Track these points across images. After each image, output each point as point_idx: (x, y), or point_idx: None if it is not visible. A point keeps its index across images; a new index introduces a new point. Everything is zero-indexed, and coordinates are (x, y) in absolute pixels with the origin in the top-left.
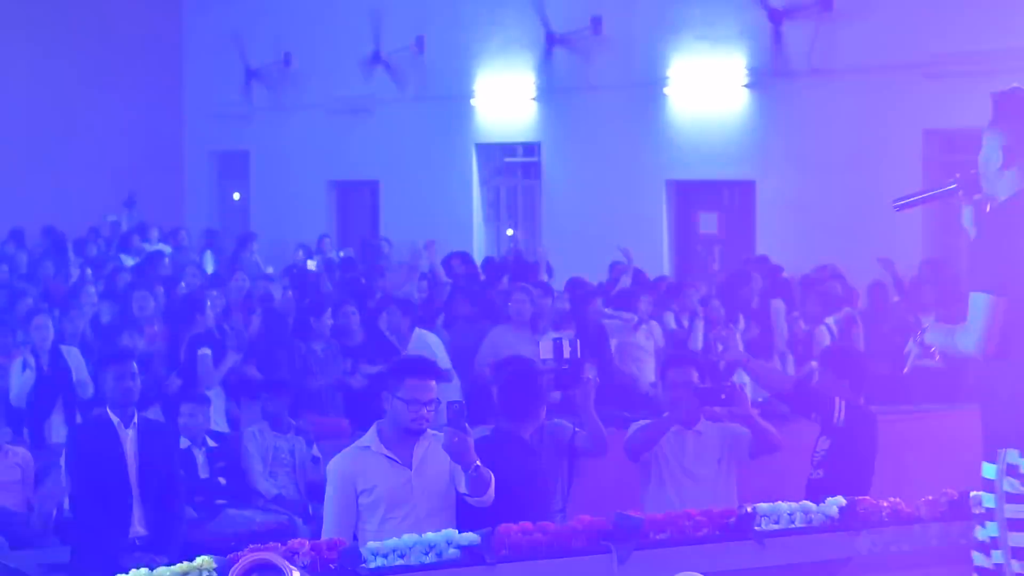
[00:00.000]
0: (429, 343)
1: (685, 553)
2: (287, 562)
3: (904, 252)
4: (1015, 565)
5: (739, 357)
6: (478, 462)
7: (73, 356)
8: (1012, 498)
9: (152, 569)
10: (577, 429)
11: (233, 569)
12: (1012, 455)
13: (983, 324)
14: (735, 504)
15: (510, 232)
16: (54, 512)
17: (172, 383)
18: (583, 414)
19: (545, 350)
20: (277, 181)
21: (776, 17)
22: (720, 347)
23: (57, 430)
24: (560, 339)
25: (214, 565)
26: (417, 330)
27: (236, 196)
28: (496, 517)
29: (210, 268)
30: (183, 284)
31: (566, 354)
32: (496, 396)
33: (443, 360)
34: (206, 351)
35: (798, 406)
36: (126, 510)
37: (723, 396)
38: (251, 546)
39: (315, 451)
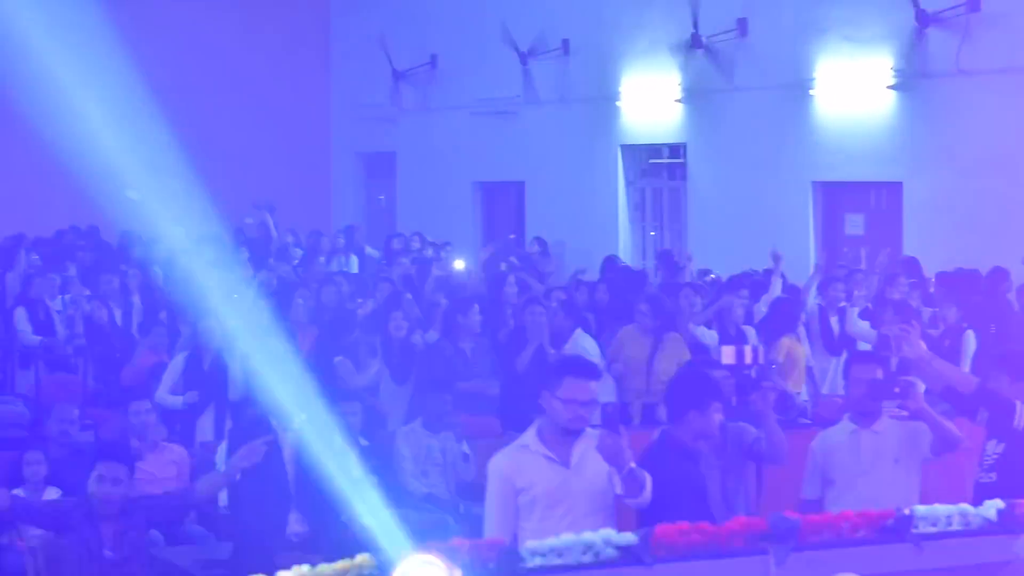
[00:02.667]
0: (586, 346)
1: (842, 555)
2: (449, 562)
3: None
4: None
5: (922, 354)
6: (632, 463)
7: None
8: None
9: (313, 566)
10: (759, 434)
11: (397, 569)
12: None
13: None
14: (916, 503)
15: (652, 234)
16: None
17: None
18: (763, 420)
19: (727, 356)
20: (423, 182)
21: (923, 18)
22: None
23: (204, 430)
24: (743, 345)
25: (374, 563)
26: (577, 331)
27: (382, 198)
28: (658, 521)
29: (354, 269)
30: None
31: (748, 360)
32: (666, 400)
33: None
34: (342, 359)
35: (969, 408)
36: (284, 510)
37: (897, 390)
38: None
39: (464, 448)
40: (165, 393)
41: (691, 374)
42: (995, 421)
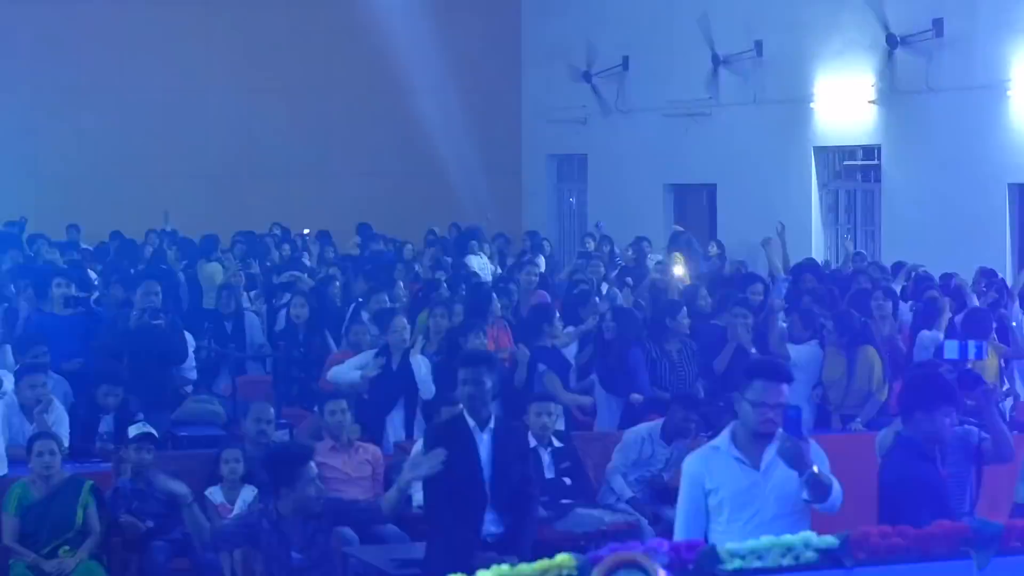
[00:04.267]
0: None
1: None
2: (654, 562)
3: None
4: None
5: None
6: (815, 468)
7: (418, 361)
8: None
9: (512, 567)
10: (984, 435)
11: (599, 567)
12: None
13: None
14: None
15: (847, 237)
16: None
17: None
18: (986, 418)
19: (950, 350)
20: (614, 184)
21: None
22: None
23: (396, 429)
24: (967, 341)
25: (575, 563)
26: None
27: (572, 200)
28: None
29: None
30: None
31: (971, 356)
32: (899, 400)
33: None
34: (544, 368)
35: None
36: (480, 511)
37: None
38: (612, 545)
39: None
40: (345, 368)
41: (921, 375)
42: None
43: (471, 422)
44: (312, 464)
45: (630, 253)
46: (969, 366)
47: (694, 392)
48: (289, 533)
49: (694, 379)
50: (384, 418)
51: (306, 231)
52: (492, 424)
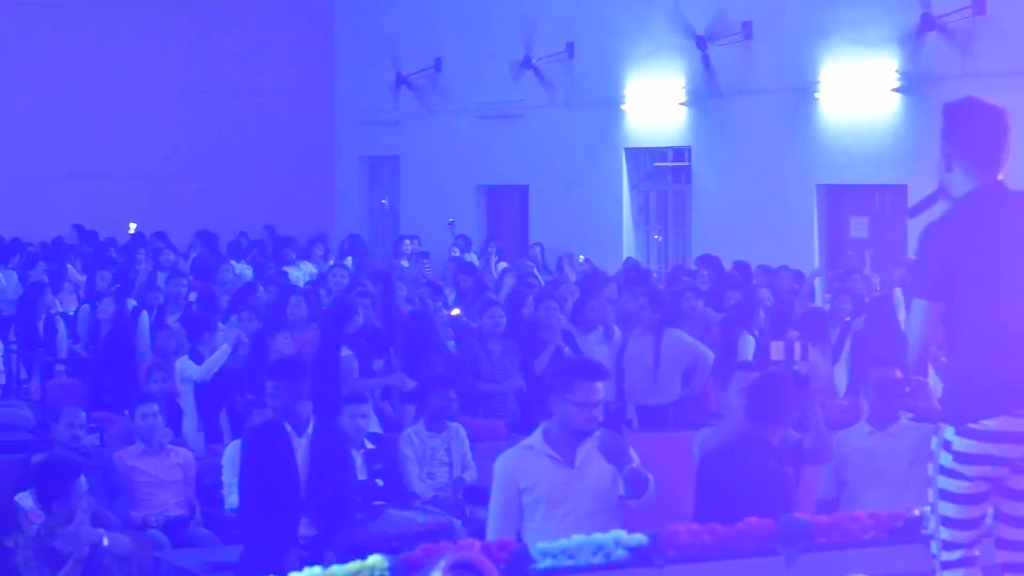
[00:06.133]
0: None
1: (852, 556)
2: (489, 561)
3: None
4: (943, 532)
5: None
6: (635, 463)
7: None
8: (944, 471)
9: (325, 568)
10: (802, 435)
11: (438, 566)
12: (948, 431)
13: (918, 328)
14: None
15: (657, 237)
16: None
17: None
18: (809, 419)
19: (776, 352)
20: (427, 185)
21: (928, 21)
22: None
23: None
24: (792, 342)
25: (386, 564)
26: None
27: (384, 201)
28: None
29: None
30: (322, 291)
31: (797, 356)
32: (746, 401)
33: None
34: (347, 352)
35: None
36: (296, 515)
37: (907, 389)
38: (424, 546)
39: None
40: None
41: (777, 376)
42: None
43: (288, 428)
44: (82, 479)
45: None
46: (795, 367)
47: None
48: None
49: (515, 376)
50: (217, 415)
51: (132, 227)
52: (310, 429)
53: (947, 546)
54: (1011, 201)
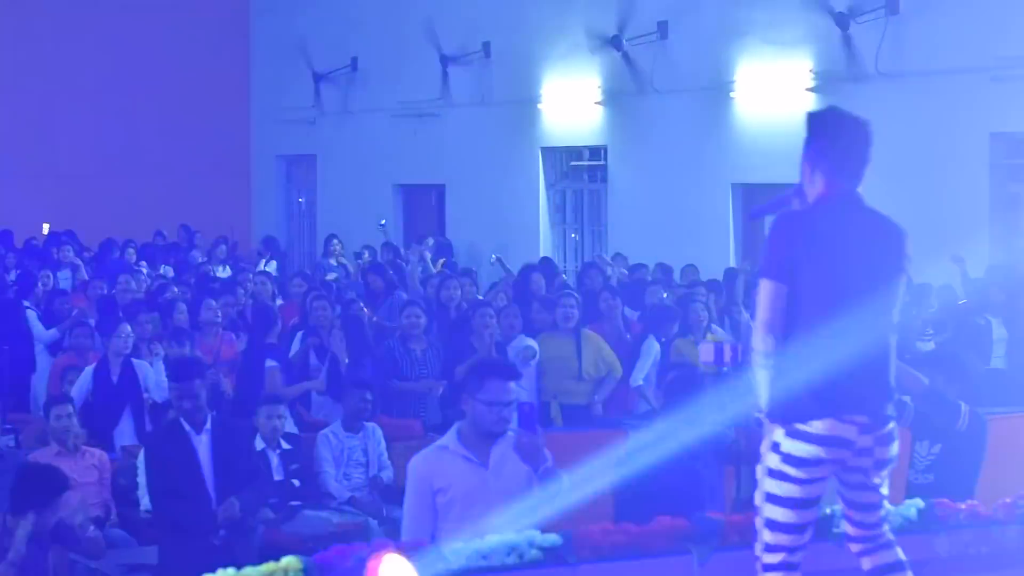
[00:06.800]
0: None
1: None
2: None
3: (971, 256)
4: (767, 535)
5: None
6: (549, 462)
7: (142, 368)
8: (772, 473)
9: (239, 569)
10: (737, 436)
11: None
12: (778, 433)
13: (766, 306)
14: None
15: (574, 236)
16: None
17: None
18: (742, 420)
19: (706, 353)
20: (344, 184)
21: (842, 20)
22: None
23: (126, 435)
24: (722, 343)
25: (300, 565)
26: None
27: (301, 200)
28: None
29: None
30: (241, 291)
31: (727, 358)
32: (663, 400)
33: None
34: (273, 363)
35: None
36: (206, 513)
37: None
38: (337, 547)
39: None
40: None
41: (687, 374)
42: (930, 422)
43: (187, 426)
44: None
45: (367, 256)
46: (724, 369)
47: (366, 374)
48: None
49: (437, 378)
50: (110, 424)
51: (45, 227)
52: (209, 425)
53: (769, 548)
54: (863, 215)
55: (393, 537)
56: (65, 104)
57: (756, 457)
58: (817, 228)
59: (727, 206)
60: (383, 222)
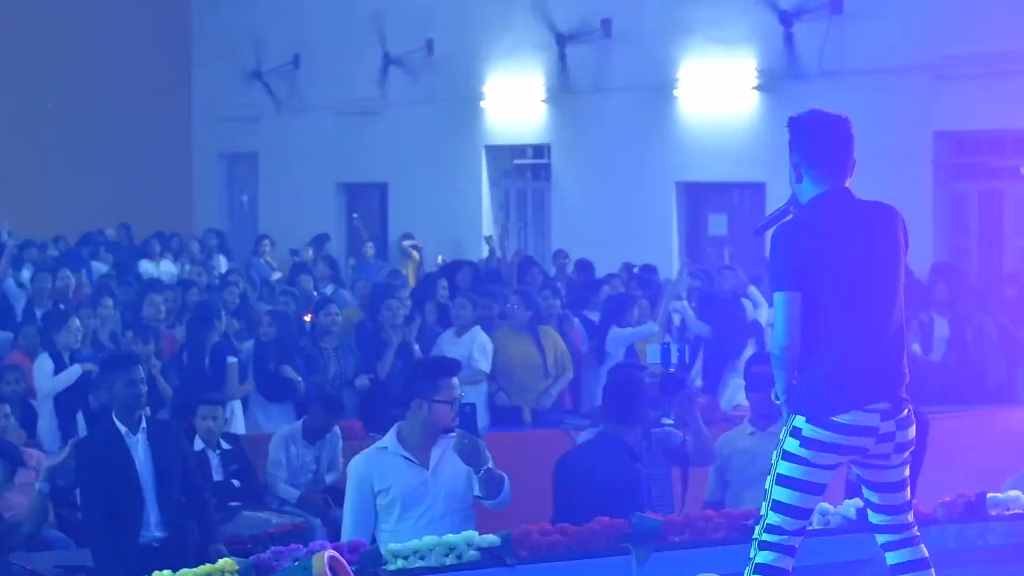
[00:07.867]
0: (482, 341)
1: (704, 555)
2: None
3: (915, 255)
4: (771, 516)
5: None
6: (489, 464)
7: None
8: (787, 455)
9: (175, 571)
10: (686, 437)
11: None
12: (799, 419)
13: (785, 317)
14: None
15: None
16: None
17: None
18: (688, 422)
19: (652, 354)
20: (286, 183)
21: (786, 19)
22: None
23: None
24: (668, 344)
25: (236, 567)
26: (475, 329)
27: (244, 198)
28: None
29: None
30: (193, 290)
31: (674, 360)
32: (602, 401)
33: (485, 362)
34: (234, 360)
35: None
36: (139, 514)
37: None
38: (275, 548)
39: None
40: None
41: (629, 375)
42: None
43: (121, 427)
44: None
45: (310, 253)
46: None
47: (338, 393)
48: None
49: (353, 375)
50: (72, 419)
51: None
52: (144, 424)
53: (770, 529)
54: (857, 207)
55: (336, 538)
56: (2, 101)
57: (706, 459)
58: (819, 229)
59: (671, 204)
60: (355, 215)
